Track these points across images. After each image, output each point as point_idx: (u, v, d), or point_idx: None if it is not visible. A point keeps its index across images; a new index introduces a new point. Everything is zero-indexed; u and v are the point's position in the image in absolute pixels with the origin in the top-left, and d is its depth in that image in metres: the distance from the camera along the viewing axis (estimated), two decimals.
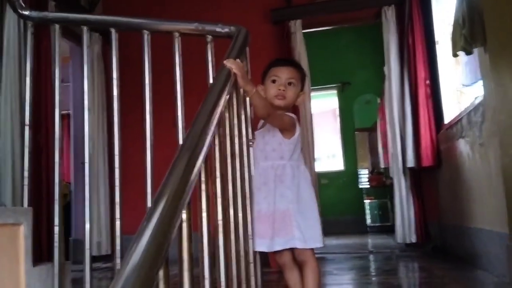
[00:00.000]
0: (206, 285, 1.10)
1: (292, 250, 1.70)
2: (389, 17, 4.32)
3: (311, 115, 4.42)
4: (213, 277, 1.18)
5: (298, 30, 4.46)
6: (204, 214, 1.11)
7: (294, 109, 4.27)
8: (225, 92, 1.36)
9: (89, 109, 2.07)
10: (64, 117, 6.29)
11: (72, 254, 4.45)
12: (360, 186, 7.35)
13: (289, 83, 1.75)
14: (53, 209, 3.53)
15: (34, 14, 2.00)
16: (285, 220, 1.66)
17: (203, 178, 1.12)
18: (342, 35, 6.96)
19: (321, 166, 7.45)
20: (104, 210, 4.59)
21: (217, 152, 1.28)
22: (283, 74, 1.75)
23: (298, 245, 1.64)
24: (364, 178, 7.43)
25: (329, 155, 7.92)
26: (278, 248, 1.66)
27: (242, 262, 1.50)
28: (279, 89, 1.73)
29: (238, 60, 1.55)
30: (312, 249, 1.70)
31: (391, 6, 4.32)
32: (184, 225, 0.95)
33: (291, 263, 1.73)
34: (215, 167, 1.27)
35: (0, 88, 3.32)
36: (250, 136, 1.77)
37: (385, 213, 6.96)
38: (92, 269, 1.89)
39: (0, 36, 3.25)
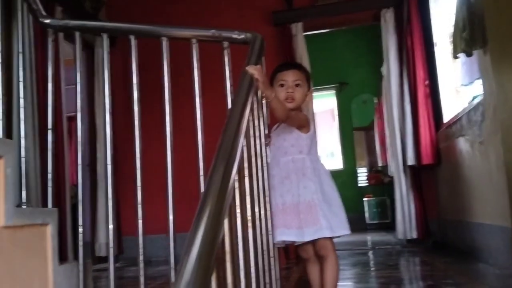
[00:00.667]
0: (241, 275, 1.19)
1: (314, 244, 1.79)
2: (388, 19, 4.43)
3: (313, 114, 4.53)
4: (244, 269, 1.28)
5: (299, 33, 4.56)
6: (238, 210, 1.21)
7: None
8: (250, 100, 1.45)
9: (110, 113, 2.15)
10: (72, 119, 6.36)
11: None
12: (359, 185, 7.46)
13: (296, 85, 1.86)
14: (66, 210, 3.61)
15: (55, 22, 2.08)
16: (311, 211, 1.74)
17: (236, 178, 1.21)
18: (339, 36, 7.07)
19: None
20: (111, 212, 4.66)
21: (245, 153, 1.37)
22: (289, 77, 1.87)
23: (327, 233, 1.71)
24: (362, 177, 7.55)
25: (328, 154, 8.03)
26: (308, 238, 1.73)
27: (265, 255, 1.60)
28: (288, 92, 1.83)
29: (259, 66, 1.65)
30: (333, 244, 1.79)
31: (389, 8, 4.43)
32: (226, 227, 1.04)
33: (314, 257, 1.83)
34: (243, 167, 1.37)
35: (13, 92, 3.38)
36: (265, 137, 1.87)
37: (384, 210, 7.08)
38: (99, 270, 1.97)
39: (9, 41, 3.29)
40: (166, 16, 4.78)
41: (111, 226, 1.95)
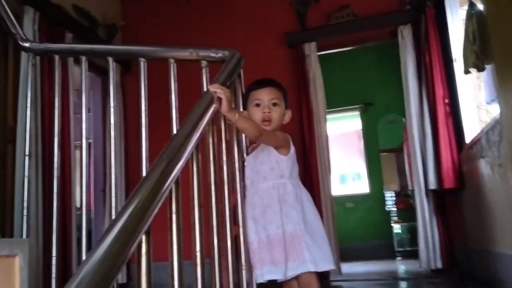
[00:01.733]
0: None
1: (297, 280, 1.62)
2: (405, 35, 4.24)
3: (326, 137, 4.34)
4: None
5: (312, 52, 4.42)
6: (175, 247, 1.07)
7: (310, 131, 4.27)
8: (206, 118, 1.32)
9: (115, 137, 2.06)
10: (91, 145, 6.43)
11: None
12: (387, 209, 7.13)
13: (274, 104, 1.72)
14: (69, 240, 3.53)
15: (35, 45, 2.04)
16: (294, 242, 1.58)
17: (174, 209, 1.08)
18: (362, 55, 6.88)
19: (346, 189, 7.31)
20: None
21: (195, 179, 1.24)
22: (265, 96, 1.72)
23: (311, 267, 1.55)
24: (390, 201, 7.21)
25: (355, 177, 7.75)
26: (291, 274, 1.57)
27: None
28: (264, 112, 1.68)
29: (223, 87, 1.52)
30: (317, 280, 1.61)
31: (407, 25, 4.24)
32: (143, 259, 0.91)
33: None
34: (192, 195, 1.23)
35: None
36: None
37: (414, 236, 6.67)
38: None
39: (7, 67, 3.31)
40: (181, 40, 4.76)
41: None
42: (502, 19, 1.92)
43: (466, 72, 2.65)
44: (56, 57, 2.02)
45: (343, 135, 7.48)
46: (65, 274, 3.43)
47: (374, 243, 6.78)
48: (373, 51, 6.88)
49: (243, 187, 1.72)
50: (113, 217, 4.56)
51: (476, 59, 2.39)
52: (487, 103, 3.43)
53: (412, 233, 6.78)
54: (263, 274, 1.60)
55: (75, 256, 3.64)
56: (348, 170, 7.60)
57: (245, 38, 4.67)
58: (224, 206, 1.44)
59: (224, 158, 1.51)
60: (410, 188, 6.95)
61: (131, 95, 4.55)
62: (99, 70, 4.17)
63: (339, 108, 6.94)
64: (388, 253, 6.61)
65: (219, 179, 1.45)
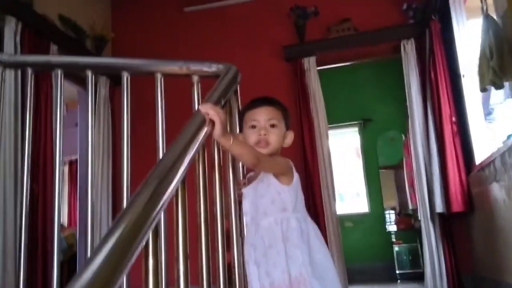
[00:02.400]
0: None
1: None
2: (409, 50, 4.06)
3: (329, 153, 4.13)
4: None
5: (312, 67, 4.23)
6: None
7: (312, 148, 4.06)
8: (195, 145, 1.10)
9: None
10: (73, 163, 6.18)
11: None
12: (388, 229, 6.88)
13: (271, 125, 1.48)
14: (50, 266, 3.28)
15: (5, 57, 1.81)
16: None
17: (151, 260, 0.84)
18: (361, 70, 6.71)
19: (345, 208, 7.06)
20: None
21: (180, 223, 1.00)
22: (261, 116, 1.48)
23: None
24: (391, 220, 6.97)
25: (353, 195, 7.52)
26: None
27: None
28: (260, 135, 1.45)
29: (218, 106, 1.29)
30: None
31: (410, 39, 4.07)
32: None
33: None
34: (177, 244, 0.99)
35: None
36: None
37: (416, 258, 6.44)
38: None
39: None
40: (174, 52, 4.55)
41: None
42: None
43: (483, 90, 2.44)
44: (29, 70, 1.79)
45: (341, 152, 7.25)
46: None
47: (374, 265, 6.52)
48: (372, 67, 6.71)
49: (239, 221, 1.48)
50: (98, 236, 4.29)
51: (494, 75, 2.19)
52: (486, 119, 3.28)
53: (413, 254, 6.54)
54: None
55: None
56: (346, 188, 7.36)
57: (242, 51, 4.47)
58: (218, 252, 1.20)
59: (217, 190, 1.27)
60: (410, 207, 6.74)
61: (121, 110, 4.33)
62: (85, 83, 3.96)
63: (337, 124, 6.73)
64: (389, 275, 6.34)
65: (211, 216, 1.21)
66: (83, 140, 4.47)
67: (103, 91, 4.29)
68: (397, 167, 7.14)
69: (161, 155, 1.60)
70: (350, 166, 7.49)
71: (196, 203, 1.16)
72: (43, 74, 3.31)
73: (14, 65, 1.88)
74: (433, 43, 3.77)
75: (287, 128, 1.55)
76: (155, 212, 0.82)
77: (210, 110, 1.23)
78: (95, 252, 0.68)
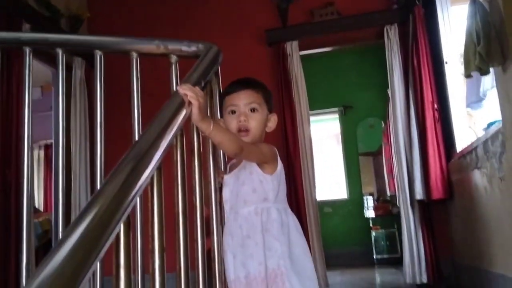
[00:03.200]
0: None
1: None
2: (392, 36, 4.01)
3: (310, 140, 4.09)
4: None
5: (294, 52, 4.15)
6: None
7: (293, 134, 4.01)
8: (173, 129, 1.01)
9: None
10: (49, 147, 6.00)
11: None
12: (366, 215, 6.93)
13: (252, 110, 1.39)
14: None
15: None
16: (276, 282, 1.28)
17: (122, 253, 0.77)
18: (343, 56, 6.67)
19: (324, 194, 7.06)
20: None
21: (156, 213, 0.92)
22: (241, 100, 1.39)
23: None
24: (370, 206, 7.01)
25: (332, 182, 7.53)
26: None
27: None
28: (240, 121, 1.37)
29: (197, 87, 1.20)
30: None
31: (393, 25, 4.01)
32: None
33: None
34: (152, 236, 0.92)
35: None
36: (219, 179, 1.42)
37: (393, 244, 6.51)
38: None
39: None
40: (151, 31, 4.40)
41: None
42: None
43: (468, 76, 2.40)
44: (27, 50, 1.66)
45: (321, 138, 7.23)
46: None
47: (352, 250, 6.57)
48: (354, 53, 6.67)
49: (220, 209, 1.41)
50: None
51: (481, 61, 2.14)
52: (467, 107, 3.26)
53: (391, 240, 6.61)
54: None
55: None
56: (326, 174, 7.36)
57: (222, 34, 4.36)
58: (197, 243, 1.13)
59: (197, 178, 1.20)
60: (388, 193, 6.79)
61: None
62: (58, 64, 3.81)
63: (318, 111, 6.69)
64: (367, 260, 6.40)
65: (190, 205, 1.14)
66: (57, 123, 4.32)
67: (79, 73, 4.13)
68: (376, 154, 7.17)
69: (137, 137, 1.51)
70: (330, 152, 7.49)
71: (174, 191, 1.09)
72: (15, 54, 3.16)
73: None
74: (417, 29, 3.73)
75: (270, 110, 1.46)
76: (127, 201, 0.74)
77: (188, 92, 1.14)
78: (59, 244, 0.60)
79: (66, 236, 0.62)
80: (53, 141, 4.45)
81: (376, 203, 7.03)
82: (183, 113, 1.10)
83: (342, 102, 7.04)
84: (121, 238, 0.77)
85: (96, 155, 1.62)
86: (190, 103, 1.13)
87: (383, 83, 5.60)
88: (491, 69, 2.25)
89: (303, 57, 4.25)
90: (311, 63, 5.52)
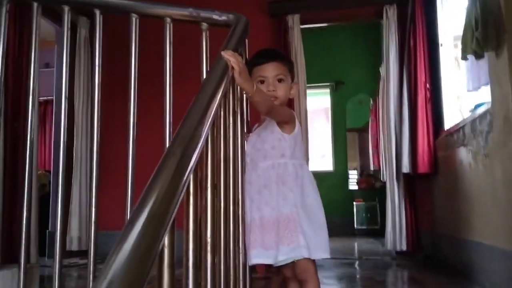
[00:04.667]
0: None
1: (294, 265, 1.52)
2: (391, 16, 4.16)
3: (306, 112, 4.27)
4: None
5: (296, 25, 4.28)
6: (191, 235, 0.93)
7: (290, 106, 4.17)
8: (221, 89, 1.17)
9: (67, 98, 1.87)
10: (49, 103, 6.06)
11: (49, 248, 4.25)
12: (350, 188, 7.21)
13: (279, 80, 1.58)
14: (27, 202, 3.32)
15: None
16: (289, 226, 1.48)
17: (191, 191, 0.94)
18: (337, 33, 6.80)
19: (310, 166, 7.29)
20: (85, 202, 4.40)
21: (210, 158, 1.09)
22: (269, 72, 1.58)
23: (304, 253, 1.45)
24: (353, 180, 7.30)
25: (319, 155, 7.76)
26: (282, 257, 1.47)
27: (231, 281, 1.33)
28: (269, 91, 1.55)
29: (236, 53, 1.36)
30: (315, 267, 1.52)
31: (393, 5, 4.16)
32: (166, 251, 0.77)
33: (295, 278, 1.56)
34: (206, 176, 1.09)
35: None
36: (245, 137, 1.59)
37: (374, 216, 6.84)
38: (68, 266, 1.69)
39: None
40: None
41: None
42: None
43: (464, 58, 2.59)
44: (35, 4, 1.78)
45: (311, 112, 7.41)
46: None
47: (335, 220, 6.85)
48: (347, 30, 6.81)
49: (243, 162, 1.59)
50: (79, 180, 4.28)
51: (477, 46, 2.33)
52: (469, 90, 3.44)
53: (372, 212, 6.93)
54: (252, 257, 1.49)
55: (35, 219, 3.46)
56: (314, 148, 7.58)
57: (225, 2, 4.43)
58: (229, 184, 1.32)
59: (231, 133, 1.37)
60: (372, 168, 7.07)
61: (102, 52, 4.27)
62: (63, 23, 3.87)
63: (310, 85, 6.84)
64: (348, 230, 6.72)
65: (228, 157, 1.31)
66: (59, 80, 4.40)
67: (83, 32, 4.20)
68: (362, 130, 7.41)
69: (167, 101, 1.66)
70: (319, 126, 7.69)
71: (218, 146, 1.25)
72: (24, 11, 3.22)
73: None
74: (415, 10, 3.89)
75: (293, 80, 1.64)
76: (193, 160, 0.89)
77: (231, 57, 1.30)
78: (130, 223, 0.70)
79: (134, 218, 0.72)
80: (54, 98, 4.53)
81: (359, 177, 7.33)
82: (227, 75, 1.26)
83: (334, 78, 7.22)
84: (191, 188, 0.92)
85: (129, 114, 1.74)
86: (232, 67, 1.29)
87: (375, 61, 5.78)
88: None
89: (302, 31, 4.37)
90: (308, 38, 5.65)
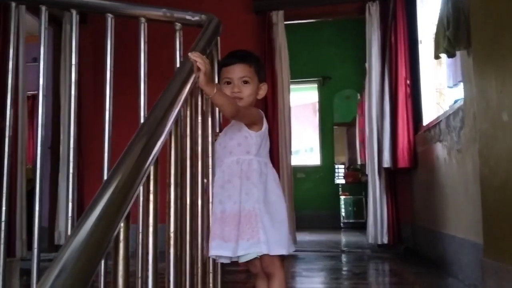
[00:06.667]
0: None
1: (260, 259, 1.58)
2: (373, 12, 4.22)
3: (289, 107, 4.32)
4: None
5: (280, 21, 4.32)
6: (151, 229, 0.99)
7: (273, 101, 4.23)
8: (187, 87, 1.23)
9: (44, 96, 1.91)
10: (29, 98, 6.03)
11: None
12: (337, 182, 7.30)
13: (243, 82, 1.61)
14: (13, 197, 3.35)
15: None
16: (251, 221, 1.52)
17: (151, 188, 0.99)
18: (324, 28, 6.86)
19: (298, 160, 7.38)
20: (71, 197, 4.43)
21: (173, 154, 1.15)
22: (234, 73, 1.60)
23: (264, 249, 1.50)
24: (340, 174, 7.38)
25: (307, 149, 7.84)
26: (241, 252, 1.51)
27: (199, 274, 1.39)
28: (233, 92, 1.58)
29: (203, 55, 1.41)
30: (281, 261, 1.58)
31: (375, 1, 4.21)
32: (121, 244, 0.83)
33: (263, 273, 1.61)
34: (169, 173, 1.14)
35: None
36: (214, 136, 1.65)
37: (360, 210, 6.94)
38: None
39: None
40: None
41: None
42: (485, 2, 1.92)
43: (437, 57, 2.66)
44: (13, 4, 1.81)
45: (299, 106, 7.48)
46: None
47: (322, 214, 6.96)
48: (334, 26, 6.86)
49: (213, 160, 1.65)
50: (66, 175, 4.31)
51: (448, 45, 2.39)
52: (449, 87, 3.51)
53: (358, 206, 7.03)
54: (211, 249, 1.54)
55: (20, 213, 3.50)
56: (302, 142, 7.66)
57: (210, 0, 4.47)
58: (197, 182, 1.37)
59: (200, 132, 1.42)
60: (359, 162, 7.15)
61: (87, 49, 4.29)
62: (50, 19, 3.88)
63: (297, 80, 6.91)
64: (334, 224, 6.81)
65: (194, 155, 1.37)
66: (46, 77, 4.41)
67: (68, 27, 4.21)
68: (349, 125, 7.49)
69: (142, 98, 1.70)
70: (306, 120, 7.76)
71: (184, 143, 1.31)
72: (4, 6, 3.24)
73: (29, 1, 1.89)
74: (397, 8, 3.95)
75: (261, 80, 1.68)
76: (156, 147, 0.95)
77: (198, 58, 1.35)
78: (94, 201, 0.76)
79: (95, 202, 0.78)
80: (40, 92, 4.54)
81: (346, 171, 7.41)
82: (193, 76, 1.31)
83: (321, 73, 7.28)
84: (151, 177, 0.98)
85: (105, 113, 1.78)
86: (198, 68, 1.34)
87: (361, 57, 5.83)
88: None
89: (286, 28, 4.42)
90: (294, 33, 5.70)
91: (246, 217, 1.52)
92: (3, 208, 1.82)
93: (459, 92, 3.18)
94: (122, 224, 0.81)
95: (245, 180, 1.55)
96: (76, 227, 0.71)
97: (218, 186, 1.58)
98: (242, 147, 1.59)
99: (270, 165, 1.67)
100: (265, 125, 1.65)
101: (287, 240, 1.55)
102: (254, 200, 1.53)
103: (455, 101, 3.03)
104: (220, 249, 1.50)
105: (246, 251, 1.49)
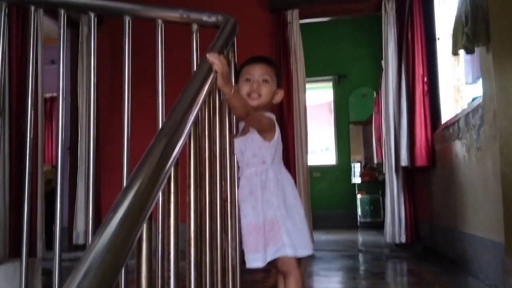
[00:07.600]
0: None
1: (276, 259, 1.60)
2: (389, 10, 4.19)
3: (305, 107, 4.31)
4: None
5: (295, 20, 4.32)
6: (172, 230, 0.99)
7: (289, 101, 4.22)
8: (205, 88, 1.23)
9: (63, 98, 1.94)
10: (47, 100, 6.13)
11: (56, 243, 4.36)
12: (353, 181, 7.25)
13: (263, 80, 1.66)
14: (34, 198, 3.41)
15: None
16: (274, 229, 1.57)
17: (172, 189, 1.00)
18: (340, 26, 6.81)
19: (314, 159, 7.36)
20: (92, 197, 4.50)
21: (192, 155, 1.16)
22: (256, 71, 1.66)
23: (289, 252, 1.54)
24: (357, 173, 7.33)
25: (323, 148, 7.81)
26: (270, 258, 1.56)
27: (219, 273, 1.39)
28: (252, 87, 1.63)
29: (222, 56, 1.41)
30: (296, 260, 1.60)
31: None
32: (144, 244, 0.84)
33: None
34: (189, 174, 1.15)
35: None
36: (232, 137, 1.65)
37: (377, 209, 6.88)
38: (74, 259, 1.76)
39: None
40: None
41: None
42: (506, 1, 1.89)
43: (455, 53, 2.63)
44: (32, 8, 1.84)
45: (314, 106, 7.45)
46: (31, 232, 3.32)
47: (338, 213, 6.93)
48: (350, 24, 6.82)
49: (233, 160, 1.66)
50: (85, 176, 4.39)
51: (467, 41, 2.36)
52: (468, 83, 3.46)
53: (375, 205, 6.97)
54: (247, 262, 1.59)
55: (41, 213, 3.56)
56: (317, 141, 7.62)
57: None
58: (216, 183, 1.37)
59: (217, 132, 1.42)
60: (375, 161, 7.09)
61: (103, 51, 4.33)
62: (67, 21, 3.93)
63: (312, 78, 6.89)
64: (351, 223, 6.77)
65: (213, 154, 1.37)
66: (65, 78, 4.49)
67: (86, 29, 4.27)
68: (365, 123, 7.43)
69: (160, 99, 1.72)
70: (322, 119, 7.73)
71: (203, 144, 1.31)
72: (24, 9, 3.29)
73: (17, 2, 1.92)
74: (413, 5, 3.91)
75: (278, 86, 1.71)
76: (176, 149, 0.96)
77: (215, 60, 1.36)
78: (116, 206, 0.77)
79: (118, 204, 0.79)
80: (60, 94, 4.61)
81: (363, 170, 7.36)
82: (211, 77, 1.32)
83: (336, 71, 7.24)
84: (172, 178, 0.99)
85: (124, 115, 1.81)
86: (216, 69, 1.35)
87: (377, 54, 5.78)
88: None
89: (302, 26, 4.41)
90: (310, 32, 5.68)
91: (269, 225, 1.56)
92: (25, 209, 1.85)
93: (477, 89, 3.14)
94: (145, 225, 0.82)
95: (264, 190, 1.59)
96: (100, 227, 0.72)
97: (241, 200, 1.62)
98: (257, 158, 1.63)
99: (284, 168, 1.71)
100: (277, 133, 1.67)
101: (309, 240, 1.59)
102: (274, 208, 1.57)
103: (473, 99, 2.99)
104: (254, 261, 1.55)
105: (274, 256, 1.55)
